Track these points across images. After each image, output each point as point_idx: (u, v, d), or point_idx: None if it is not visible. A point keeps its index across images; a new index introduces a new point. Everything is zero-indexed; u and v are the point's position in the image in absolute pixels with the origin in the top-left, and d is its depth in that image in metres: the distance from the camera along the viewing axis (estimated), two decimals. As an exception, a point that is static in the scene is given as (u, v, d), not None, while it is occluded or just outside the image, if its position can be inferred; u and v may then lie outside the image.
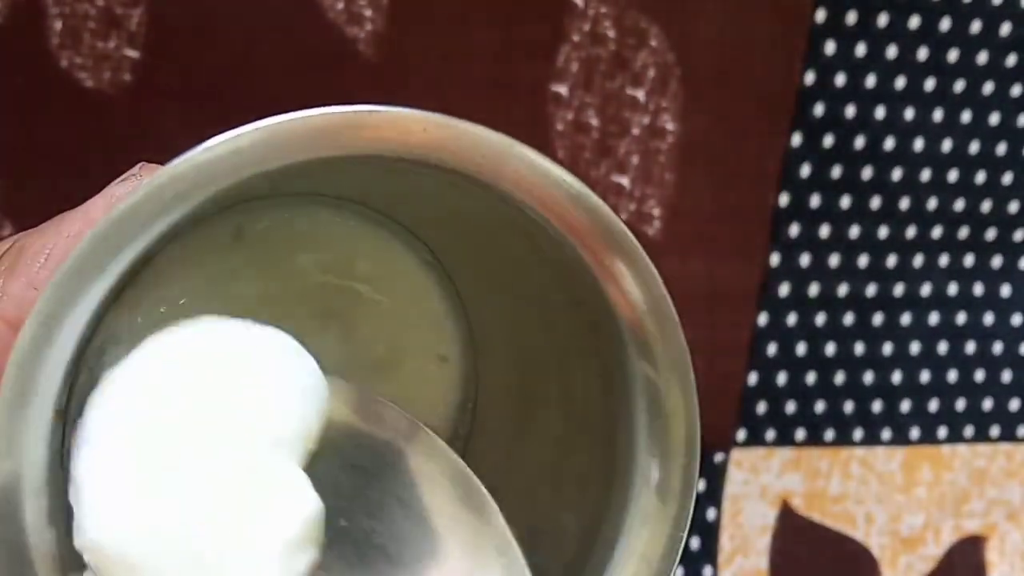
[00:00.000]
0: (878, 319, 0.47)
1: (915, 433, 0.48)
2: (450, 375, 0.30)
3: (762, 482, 0.46)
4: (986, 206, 0.47)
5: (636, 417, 0.23)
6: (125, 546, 0.19)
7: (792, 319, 0.46)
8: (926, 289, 0.47)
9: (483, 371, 0.30)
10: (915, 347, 0.47)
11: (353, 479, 0.21)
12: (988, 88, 0.46)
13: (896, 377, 0.47)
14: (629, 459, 0.24)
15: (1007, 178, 0.47)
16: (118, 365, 0.21)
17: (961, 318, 0.48)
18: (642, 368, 0.23)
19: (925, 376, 0.48)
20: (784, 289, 0.45)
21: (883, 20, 0.44)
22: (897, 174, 0.46)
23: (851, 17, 0.44)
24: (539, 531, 0.26)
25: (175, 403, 0.20)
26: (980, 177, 0.47)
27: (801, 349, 0.46)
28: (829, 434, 0.47)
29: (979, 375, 0.48)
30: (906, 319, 0.47)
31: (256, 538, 0.19)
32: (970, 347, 0.48)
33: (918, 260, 0.47)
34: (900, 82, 0.45)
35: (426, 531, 0.23)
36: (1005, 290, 0.48)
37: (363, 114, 0.20)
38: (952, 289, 0.47)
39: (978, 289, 0.48)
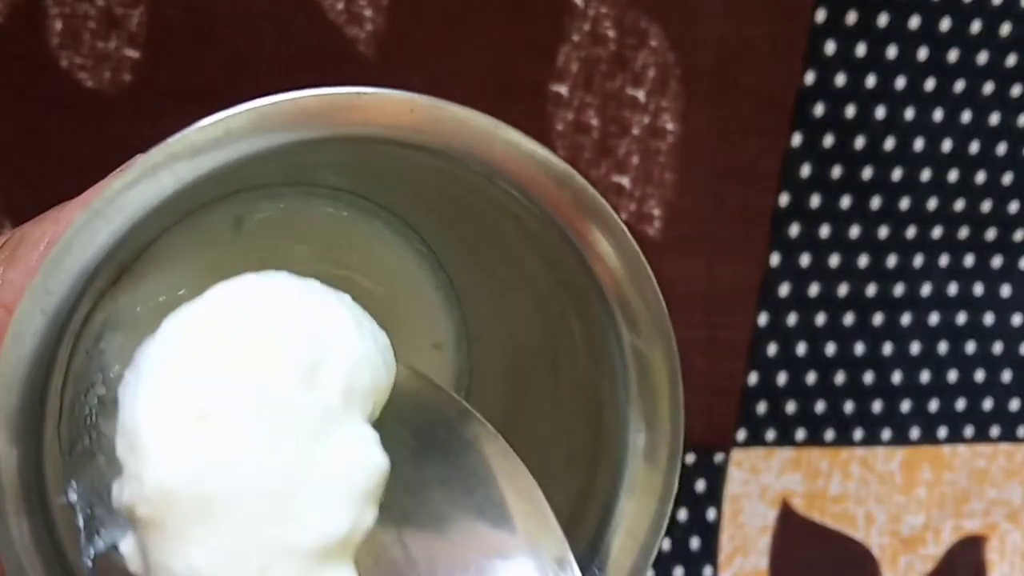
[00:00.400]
0: (878, 319, 0.47)
1: (915, 433, 0.48)
2: (444, 363, 0.30)
3: (762, 482, 0.46)
4: (986, 206, 0.47)
5: (621, 393, 0.24)
6: (196, 484, 0.18)
7: (792, 319, 0.46)
8: (926, 289, 0.47)
9: (476, 358, 0.30)
10: (915, 347, 0.47)
11: (393, 454, 0.21)
12: (988, 88, 0.46)
13: (896, 377, 0.47)
14: (616, 436, 0.24)
15: (1007, 178, 0.47)
16: (183, 308, 0.20)
17: (961, 318, 0.48)
18: (629, 340, 0.23)
19: (925, 376, 0.48)
20: (784, 289, 0.45)
21: (883, 20, 0.44)
22: (897, 174, 0.46)
23: (851, 17, 0.43)
24: None
25: (247, 346, 0.19)
26: (980, 177, 0.47)
27: (801, 349, 0.46)
28: (829, 434, 0.47)
29: (979, 375, 0.48)
30: (906, 319, 0.47)
31: (328, 483, 0.19)
32: (970, 347, 0.48)
33: (918, 260, 0.47)
34: (900, 82, 0.45)
35: (467, 512, 0.22)
36: (1005, 290, 0.48)
37: (351, 95, 0.21)
38: (952, 289, 0.47)
39: (978, 289, 0.48)
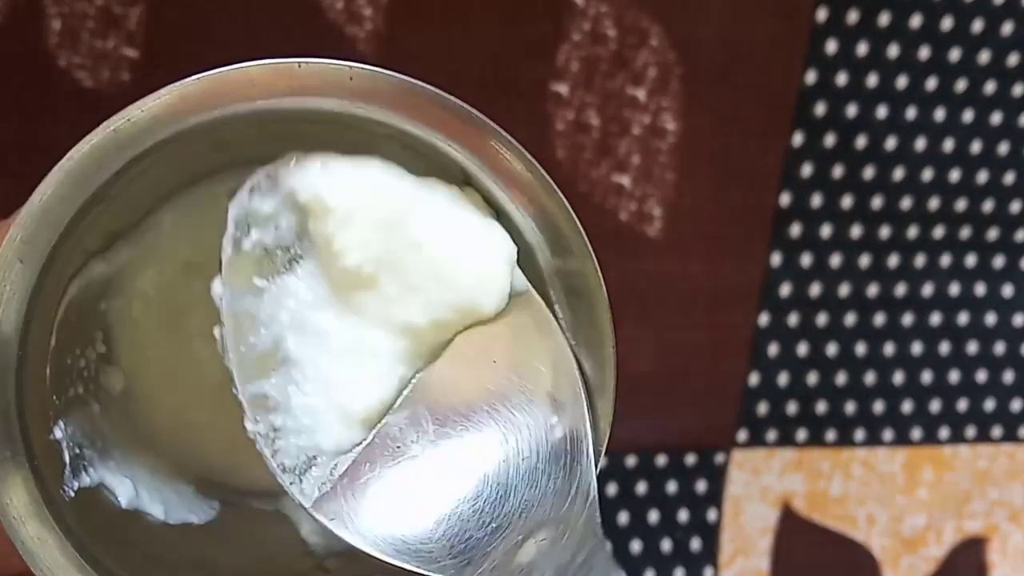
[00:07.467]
0: (880, 319, 0.47)
1: (917, 434, 0.48)
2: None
3: (763, 483, 0.46)
4: (988, 206, 0.47)
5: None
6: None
7: (793, 319, 0.46)
8: (928, 289, 0.47)
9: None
10: (917, 347, 0.47)
11: None
12: (990, 87, 0.46)
13: (898, 378, 0.47)
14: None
15: (1009, 178, 0.47)
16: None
17: (963, 318, 0.48)
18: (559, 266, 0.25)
19: (927, 377, 0.48)
20: (785, 289, 0.45)
21: (884, 19, 0.44)
22: (899, 174, 0.46)
23: (852, 16, 0.43)
24: None
25: None
26: (982, 177, 0.47)
27: (802, 349, 0.46)
28: (831, 435, 0.47)
29: (981, 376, 0.48)
30: (908, 319, 0.47)
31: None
32: (972, 347, 0.48)
33: (920, 260, 0.47)
34: (902, 81, 0.45)
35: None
36: (1007, 290, 0.48)
37: (292, 65, 0.22)
38: (954, 289, 0.47)
39: (980, 289, 0.48)
